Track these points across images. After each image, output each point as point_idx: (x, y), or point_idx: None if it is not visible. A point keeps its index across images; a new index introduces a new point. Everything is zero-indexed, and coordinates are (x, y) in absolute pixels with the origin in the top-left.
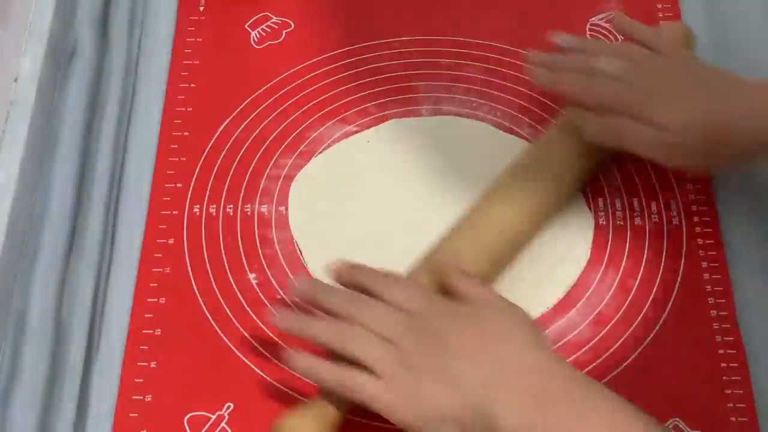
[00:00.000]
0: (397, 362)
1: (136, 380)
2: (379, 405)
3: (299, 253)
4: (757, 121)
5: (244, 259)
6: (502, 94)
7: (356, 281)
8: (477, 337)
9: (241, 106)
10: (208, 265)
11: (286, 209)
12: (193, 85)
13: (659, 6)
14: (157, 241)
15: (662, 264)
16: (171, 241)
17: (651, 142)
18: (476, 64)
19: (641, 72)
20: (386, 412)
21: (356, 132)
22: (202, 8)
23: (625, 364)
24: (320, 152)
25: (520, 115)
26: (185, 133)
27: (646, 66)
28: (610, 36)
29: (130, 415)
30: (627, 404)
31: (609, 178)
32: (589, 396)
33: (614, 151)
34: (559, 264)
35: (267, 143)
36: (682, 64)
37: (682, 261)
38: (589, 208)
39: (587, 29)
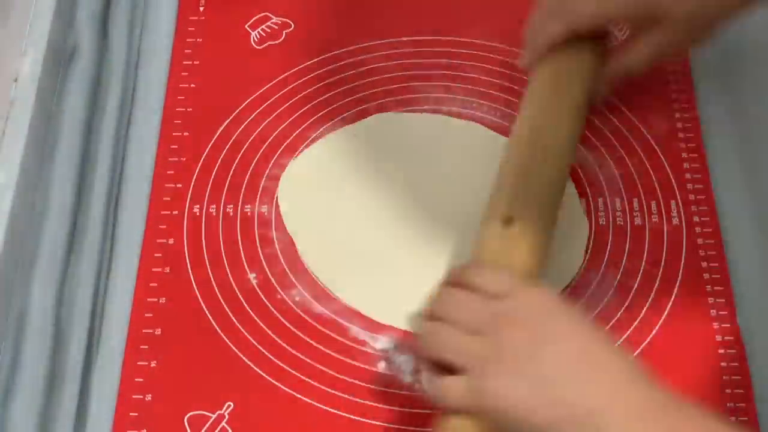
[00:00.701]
0: (481, 354)
1: (136, 380)
2: (456, 405)
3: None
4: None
5: (244, 259)
6: (502, 95)
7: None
8: (568, 345)
9: (241, 106)
10: (208, 265)
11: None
12: (193, 85)
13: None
14: (157, 241)
15: (662, 264)
16: (171, 241)
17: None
18: (476, 64)
19: None
20: (465, 407)
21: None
22: (202, 8)
23: None
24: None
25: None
26: (185, 133)
27: None
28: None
29: (130, 414)
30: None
31: (609, 178)
32: (682, 407)
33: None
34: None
35: (267, 143)
36: None
37: (682, 261)
38: (586, 210)
39: None
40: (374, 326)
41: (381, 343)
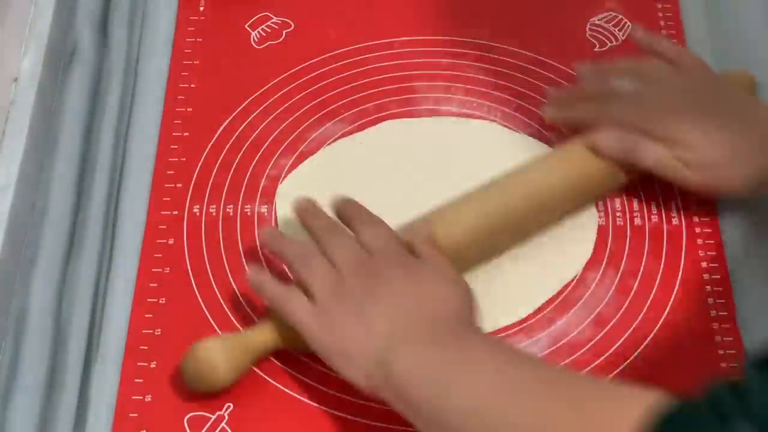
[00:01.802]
0: (335, 294)
1: (136, 380)
2: (302, 328)
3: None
4: None
5: (244, 259)
6: (502, 95)
7: (339, 211)
8: (408, 290)
9: (241, 106)
10: (208, 265)
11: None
12: (193, 85)
13: (659, 6)
14: (157, 241)
15: (662, 264)
16: (171, 241)
17: (663, 158)
18: (476, 64)
19: (657, 90)
20: (307, 337)
21: (356, 132)
22: (202, 8)
23: (625, 364)
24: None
25: (519, 116)
26: (185, 134)
27: (664, 84)
28: (610, 36)
29: (130, 415)
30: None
31: None
32: (486, 350)
33: (630, 173)
34: (560, 257)
35: (267, 143)
36: (701, 82)
37: (682, 261)
38: (597, 209)
39: (587, 29)
40: None
41: None
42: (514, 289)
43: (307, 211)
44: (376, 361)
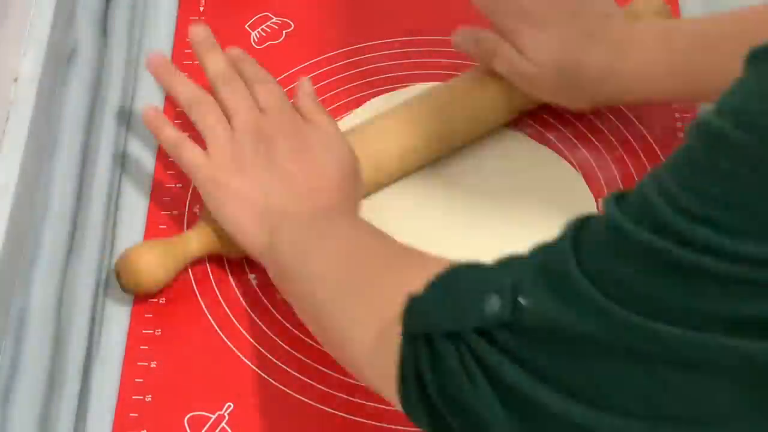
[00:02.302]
0: (228, 150)
1: (136, 380)
2: (195, 176)
3: None
4: (603, 72)
5: (244, 259)
6: None
7: (235, 65)
8: (296, 159)
9: None
10: (208, 265)
11: None
12: None
13: None
14: None
15: None
16: None
17: (514, 68)
18: (476, 64)
19: None
20: (198, 185)
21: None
22: (202, 8)
23: None
24: None
25: (519, 116)
26: (185, 133)
27: None
28: None
29: (130, 415)
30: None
31: (609, 178)
32: (349, 225)
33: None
34: None
35: None
36: None
37: None
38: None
39: None
40: None
41: None
42: None
43: (203, 46)
44: (262, 232)
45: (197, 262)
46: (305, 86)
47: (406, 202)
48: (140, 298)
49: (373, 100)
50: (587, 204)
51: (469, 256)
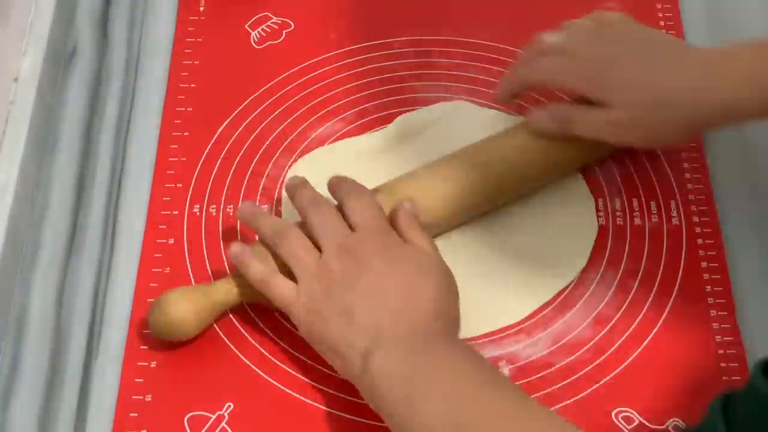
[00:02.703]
0: (317, 276)
1: (136, 380)
2: (290, 312)
3: None
4: (699, 92)
5: None
6: None
7: (330, 186)
8: (390, 281)
9: (241, 106)
10: (208, 265)
11: None
12: (193, 85)
13: (659, 6)
14: (157, 241)
15: (662, 264)
16: (171, 241)
17: (600, 123)
18: (476, 64)
19: (584, 42)
20: (289, 313)
21: (357, 133)
22: (202, 8)
23: (625, 364)
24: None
25: (519, 116)
26: (185, 133)
27: (589, 36)
28: None
29: (130, 415)
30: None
31: (609, 178)
32: (457, 360)
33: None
34: (560, 257)
35: (267, 143)
36: (625, 30)
37: (682, 261)
38: (597, 210)
39: None
40: None
41: None
42: (513, 289)
43: (294, 185)
44: (356, 354)
45: (197, 262)
46: (407, 206)
47: None
48: (164, 341)
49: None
50: (587, 204)
51: (469, 256)
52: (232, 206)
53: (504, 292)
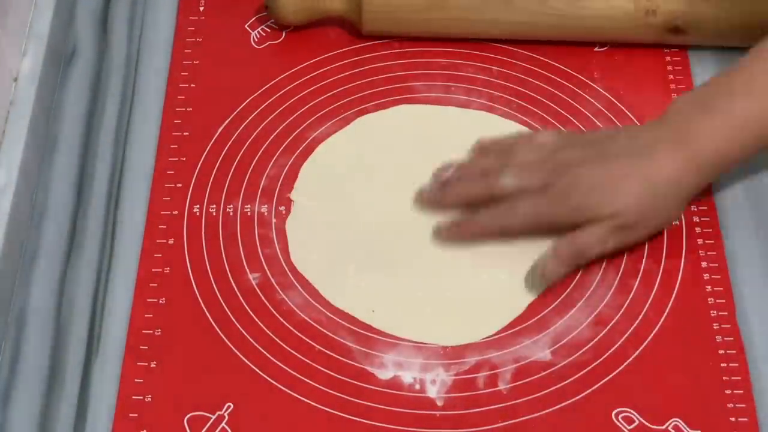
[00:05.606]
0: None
1: (136, 380)
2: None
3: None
4: (684, 172)
5: (244, 259)
6: (502, 95)
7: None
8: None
9: (241, 106)
10: (208, 265)
11: (287, 209)
12: (193, 85)
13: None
14: (157, 241)
15: (662, 264)
16: (171, 241)
17: (605, 240)
18: (476, 64)
19: (538, 170)
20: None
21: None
22: (202, 8)
23: (625, 364)
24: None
25: (519, 116)
26: (185, 133)
27: (540, 162)
28: None
29: (130, 415)
30: None
31: None
32: None
33: None
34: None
35: (267, 143)
36: (566, 144)
37: (682, 261)
38: None
39: None
40: (374, 327)
41: (381, 344)
42: (512, 289)
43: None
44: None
45: (197, 262)
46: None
47: (403, 207)
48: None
49: (359, 119)
50: None
51: (468, 256)
52: (232, 206)
53: (501, 290)
